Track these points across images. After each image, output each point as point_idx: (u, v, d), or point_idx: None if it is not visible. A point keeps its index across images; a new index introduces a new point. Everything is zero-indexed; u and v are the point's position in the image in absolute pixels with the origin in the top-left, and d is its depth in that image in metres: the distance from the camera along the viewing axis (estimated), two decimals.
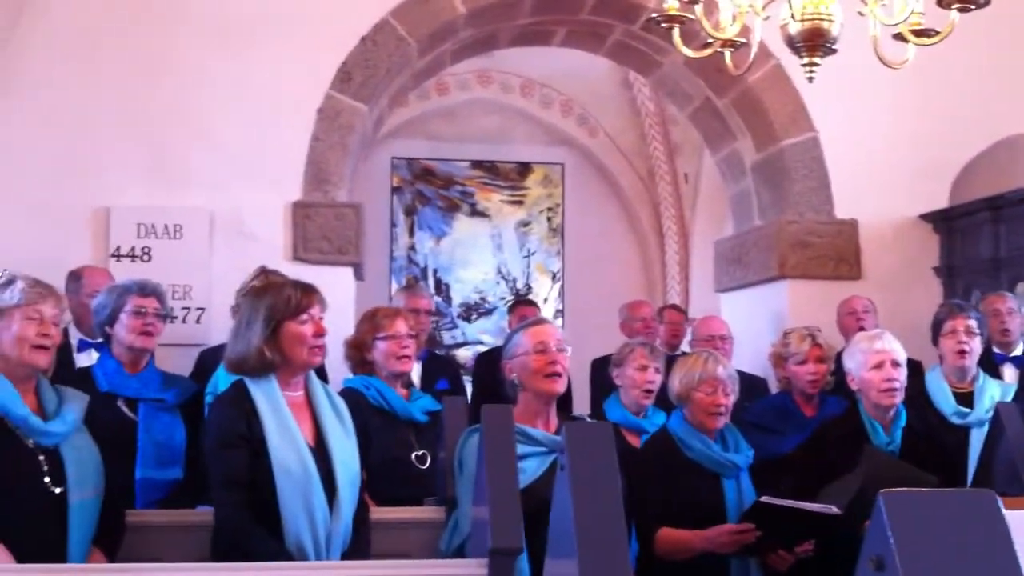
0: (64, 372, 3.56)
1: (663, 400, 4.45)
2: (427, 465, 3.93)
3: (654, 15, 3.90)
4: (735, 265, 6.85)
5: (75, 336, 4.68)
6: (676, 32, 3.83)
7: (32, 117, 5.69)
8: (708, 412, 3.68)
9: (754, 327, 6.38)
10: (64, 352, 3.27)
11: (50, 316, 3.01)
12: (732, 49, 3.94)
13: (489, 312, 10.99)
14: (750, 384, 4.94)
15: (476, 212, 11.15)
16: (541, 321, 3.63)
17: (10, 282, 3.02)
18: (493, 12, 6.27)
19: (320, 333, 3.07)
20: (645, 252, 11.14)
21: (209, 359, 4.54)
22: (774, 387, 5.46)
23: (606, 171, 11.13)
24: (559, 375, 3.31)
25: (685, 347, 6.65)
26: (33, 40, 5.72)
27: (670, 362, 4.60)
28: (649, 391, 4.39)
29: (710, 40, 3.92)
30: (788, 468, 3.88)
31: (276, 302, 3.05)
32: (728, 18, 3.85)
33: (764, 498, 3.39)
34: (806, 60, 3.70)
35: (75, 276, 4.92)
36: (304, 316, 3.05)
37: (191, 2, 5.86)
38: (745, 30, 3.87)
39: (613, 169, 11.05)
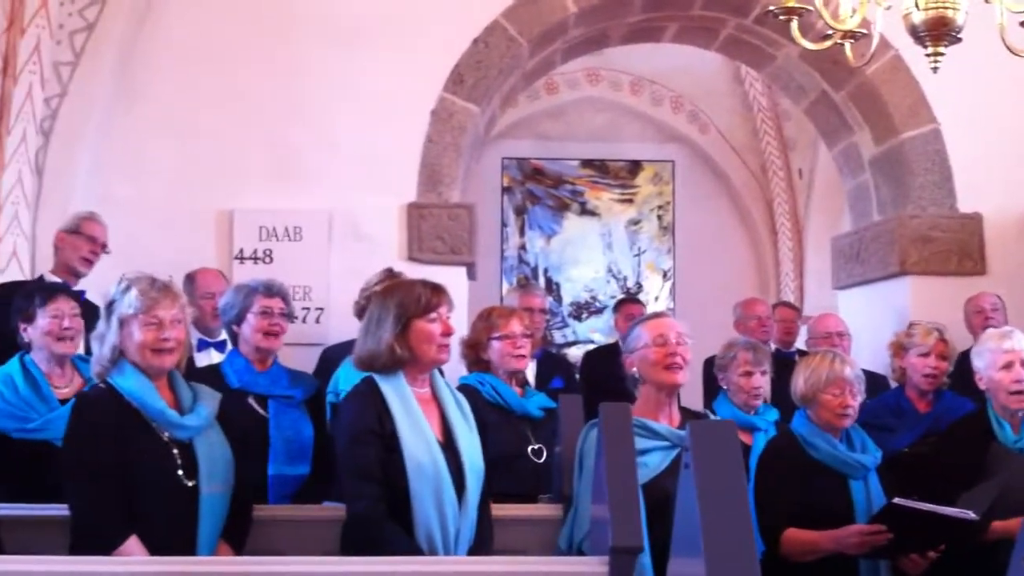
0: (190, 369, 3.66)
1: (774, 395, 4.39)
2: (543, 460, 3.95)
3: (772, 8, 3.86)
4: (854, 262, 6.71)
5: (194, 336, 4.75)
6: (795, 24, 3.78)
7: (156, 124, 5.87)
8: (836, 414, 3.62)
9: (873, 324, 6.24)
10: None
11: (169, 318, 3.07)
12: (852, 40, 3.86)
13: (600, 311, 10.95)
14: (872, 381, 4.84)
15: (586, 211, 11.12)
16: (661, 314, 3.62)
17: (127, 290, 3.08)
18: (604, 10, 6.25)
19: (448, 332, 3.11)
20: (758, 249, 10.97)
21: (332, 356, 4.62)
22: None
23: (718, 168, 10.98)
24: (680, 367, 3.29)
25: (799, 344, 6.54)
26: (155, 49, 5.89)
27: (782, 360, 4.52)
28: (757, 396, 4.32)
29: (829, 32, 3.85)
30: (911, 467, 3.80)
31: (406, 300, 3.10)
32: (848, 9, 3.78)
33: (897, 500, 3.31)
34: (930, 50, 3.62)
35: (189, 278, 5.06)
36: (433, 315, 3.09)
37: (307, 7, 5.98)
38: (864, 21, 3.79)
39: (725, 166, 10.90)
